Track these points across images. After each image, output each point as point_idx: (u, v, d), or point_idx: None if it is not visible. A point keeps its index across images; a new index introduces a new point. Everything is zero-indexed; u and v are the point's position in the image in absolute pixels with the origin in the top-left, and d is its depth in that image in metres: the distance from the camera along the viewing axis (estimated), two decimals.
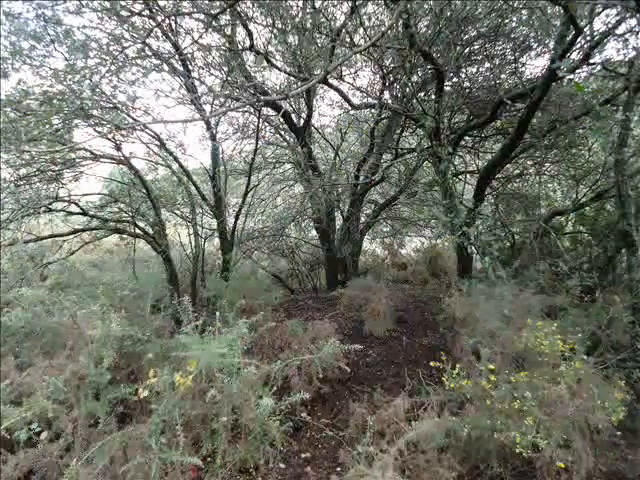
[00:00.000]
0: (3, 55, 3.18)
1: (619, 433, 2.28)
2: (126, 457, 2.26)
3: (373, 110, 5.43)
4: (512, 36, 4.15)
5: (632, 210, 3.08)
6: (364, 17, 3.93)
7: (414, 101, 4.66)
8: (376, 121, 5.45)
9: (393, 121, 5.67)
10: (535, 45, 4.18)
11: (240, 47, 4.11)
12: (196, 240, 5.24)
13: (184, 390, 2.35)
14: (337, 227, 6.80)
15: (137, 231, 4.94)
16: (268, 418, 2.58)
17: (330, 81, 4.36)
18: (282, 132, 6.42)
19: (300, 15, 3.99)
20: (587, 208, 4.80)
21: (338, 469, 2.57)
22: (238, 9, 3.63)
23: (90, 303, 3.16)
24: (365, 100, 5.45)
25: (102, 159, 4.38)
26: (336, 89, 4.70)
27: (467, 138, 5.73)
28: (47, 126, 3.04)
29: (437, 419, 2.45)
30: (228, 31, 4.09)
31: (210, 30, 3.75)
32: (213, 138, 5.04)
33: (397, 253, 9.01)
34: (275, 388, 2.76)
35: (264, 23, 4.08)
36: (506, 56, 4.41)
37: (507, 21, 3.97)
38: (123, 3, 3.21)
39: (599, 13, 3.24)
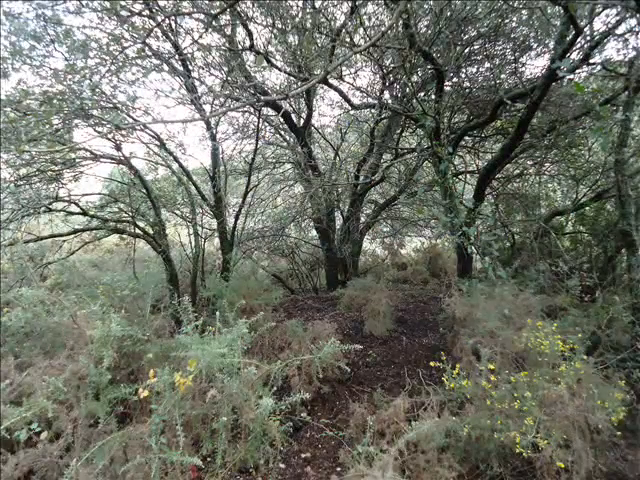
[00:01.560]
0: (3, 55, 3.18)
1: (619, 433, 2.28)
2: (126, 457, 2.26)
3: (373, 110, 5.44)
4: (512, 36, 4.15)
5: (632, 210, 3.08)
6: (364, 17, 3.93)
7: (414, 101, 4.67)
8: (376, 121, 5.46)
9: (393, 121, 5.67)
10: (535, 45, 4.18)
11: (240, 47, 4.11)
12: (196, 240, 5.24)
13: (184, 390, 2.35)
14: (337, 227, 6.80)
15: (137, 231, 4.94)
16: (268, 418, 2.58)
17: (330, 81, 4.36)
18: (282, 132, 6.42)
19: (300, 15, 4.00)
20: (587, 208, 4.80)
21: (338, 469, 2.57)
22: (238, 9, 3.63)
23: (90, 303, 3.16)
24: (365, 100, 5.45)
25: (102, 159, 4.38)
26: (336, 89, 4.70)
27: (467, 138, 5.73)
28: (47, 126, 3.04)
29: (437, 419, 2.45)
30: (228, 31, 4.09)
31: (210, 30, 3.75)
32: (213, 138, 5.04)
33: (397, 253, 9.02)
34: (275, 388, 2.76)
35: (264, 23, 4.08)
36: (506, 56, 4.41)
37: (507, 21, 3.97)
38: (123, 3, 3.20)
39: (599, 13, 3.24)
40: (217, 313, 2.84)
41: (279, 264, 8.48)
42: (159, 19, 3.30)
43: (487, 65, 4.47)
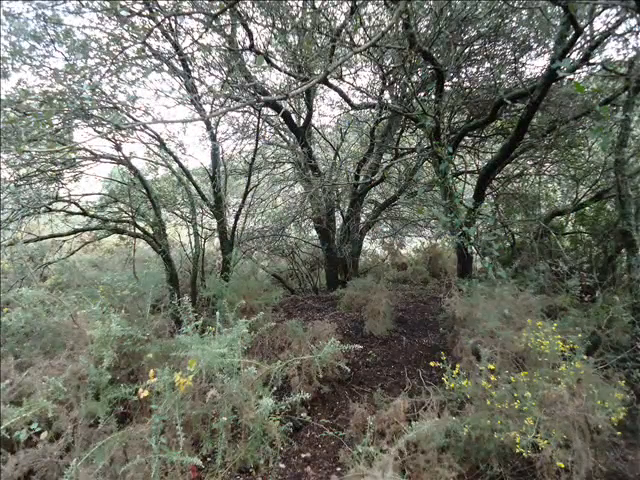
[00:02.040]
0: (3, 55, 3.18)
1: (619, 433, 2.28)
2: (126, 457, 2.26)
3: (373, 110, 5.44)
4: (512, 36, 4.15)
5: (632, 210, 3.08)
6: (364, 17, 3.93)
7: (414, 101, 4.66)
8: (376, 121, 5.46)
9: (393, 121, 5.67)
10: (535, 45, 4.18)
11: (240, 47, 4.11)
12: (196, 240, 5.24)
13: (184, 390, 2.35)
14: (337, 227, 6.80)
15: (137, 231, 4.94)
16: (268, 418, 2.58)
17: (330, 81, 4.36)
18: (282, 132, 6.42)
19: (300, 15, 3.99)
20: (587, 208, 4.81)
21: (338, 469, 2.57)
22: (238, 9, 3.63)
23: (90, 303, 3.16)
24: (365, 100, 5.45)
25: (102, 159, 4.37)
26: (336, 89, 4.70)
27: (467, 138, 5.73)
28: (47, 126, 3.03)
29: (437, 419, 2.45)
30: (228, 31, 4.09)
31: (210, 30, 3.75)
32: (213, 138, 5.04)
33: (397, 253, 9.02)
34: (275, 388, 2.76)
35: (264, 23, 4.08)
36: (506, 56, 4.41)
37: (507, 21, 3.97)
38: (123, 3, 3.20)
39: (599, 13, 3.24)
40: (217, 313, 2.84)
41: (279, 264, 8.48)
42: (159, 19, 3.29)
43: (487, 65, 4.47)
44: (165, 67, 3.97)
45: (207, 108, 4.82)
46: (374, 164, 5.79)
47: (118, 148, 4.40)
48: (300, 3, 4.03)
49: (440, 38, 3.70)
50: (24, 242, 4.27)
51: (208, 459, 2.57)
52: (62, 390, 2.37)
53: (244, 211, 5.93)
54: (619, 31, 3.28)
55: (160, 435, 2.28)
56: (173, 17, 3.65)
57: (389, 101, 4.96)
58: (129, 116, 4.04)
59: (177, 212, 6.08)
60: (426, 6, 3.75)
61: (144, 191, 4.76)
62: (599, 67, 3.69)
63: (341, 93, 4.79)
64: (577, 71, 3.75)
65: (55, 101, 3.09)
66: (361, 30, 3.79)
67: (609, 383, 2.39)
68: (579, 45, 3.46)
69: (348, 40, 3.64)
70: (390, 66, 4.58)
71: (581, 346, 2.53)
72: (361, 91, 4.83)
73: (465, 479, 2.29)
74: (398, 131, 5.90)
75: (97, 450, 2.20)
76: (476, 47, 4.31)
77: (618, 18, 3.18)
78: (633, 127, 3.87)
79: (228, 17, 3.93)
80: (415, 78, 4.55)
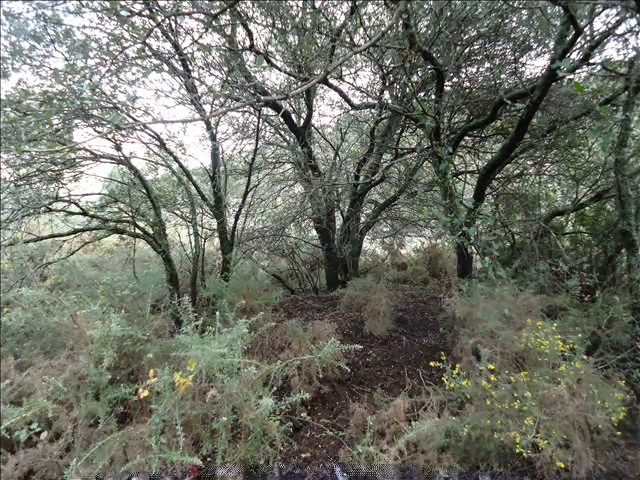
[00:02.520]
0: (3, 55, 3.18)
1: (619, 433, 2.28)
2: (126, 457, 2.26)
3: (373, 110, 5.44)
4: (512, 36, 4.15)
5: (632, 210, 3.08)
6: (364, 17, 3.93)
7: (414, 101, 4.66)
8: (376, 121, 5.46)
9: (393, 121, 5.67)
10: (535, 45, 4.18)
11: (240, 47, 4.11)
12: (196, 240, 5.24)
13: (184, 390, 2.35)
14: (337, 227, 6.80)
15: (137, 231, 4.94)
16: (268, 418, 2.58)
17: (330, 81, 4.36)
18: (282, 132, 6.42)
19: (300, 15, 3.99)
20: (587, 208, 4.81)
21: None
22: (238, 9, 3.63)
23: (90, 303, 3.16)
24: (365, 100, 5.45)
25: (102, 159, 4.37)
26: (336, 89, 4.70)
27: (467, 138, 5.74)
28: (47, 126, 3.03)
29: (437, 419, 2.45)
30: (228, 31, 4.09)
31: (210, 30, 3.75)
32: (213, 138, 5.04)
33: (397, 253, 9.02)
34: (275, 388, 2.76)
35: (264, 23, 4.08)
36: (506, 56, 4.41)
37: (507, 21, 3.97)
38: (123, 3, 3.20)
39: (599, 13, 3.24)
40: (217, 313, 2.84)
41: (279, 264, 8.49)
42: (159, 19, 3.29)
43: (487, 65, 4.47)
44: (165, 67, 3.97)
45: (207, 108, 4.82)
46: (374, 164, 5.79)
47: (118, 148, 4.40)
48: (300, 3, 4.03)
49: (440, 38, 3.70)
50: (24, 242, 4.27)
51: (208, 459, 2.57)
52: (62, 390, 2.37)
53: (244, 211, 5.93)
54: (619, 31, 3.29)
55: (160, 435, 2.28)
56: (173, 17, 3.65)
57: (389, 101, 4.96)
58: (129, 116, 4.04)
59: (177, 212, 6.08)
60: (426, 6, 3.75)
61: (144, 191, 4.76)
62: (599, 67, 3.69)
63: (341, 93, 4.79)
64: (577, 71, 3.75)
65: (55, 101, 3.09)
66: (361, 30, 3.79)
67: (609, 383, 2.39)
68: (579, 45, 3.46)
69: (348, 40, 3.64)
70: (390, 66, 4.58)
71: (581, 346, 2.53)
72: (361, 91, 4.83)
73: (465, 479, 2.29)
74: (398, 131, 5.89)
75: (97, 450, 2.20)
76: (476, 47, 4.31)
77: (618, 18, 3.18)
78: (633, 127, 3.88)
79: (228, 17, 3.93)
80: (415, 78, 4.55)
